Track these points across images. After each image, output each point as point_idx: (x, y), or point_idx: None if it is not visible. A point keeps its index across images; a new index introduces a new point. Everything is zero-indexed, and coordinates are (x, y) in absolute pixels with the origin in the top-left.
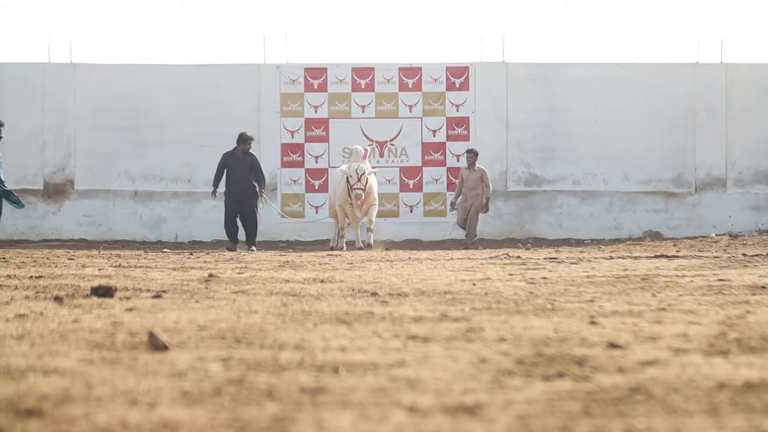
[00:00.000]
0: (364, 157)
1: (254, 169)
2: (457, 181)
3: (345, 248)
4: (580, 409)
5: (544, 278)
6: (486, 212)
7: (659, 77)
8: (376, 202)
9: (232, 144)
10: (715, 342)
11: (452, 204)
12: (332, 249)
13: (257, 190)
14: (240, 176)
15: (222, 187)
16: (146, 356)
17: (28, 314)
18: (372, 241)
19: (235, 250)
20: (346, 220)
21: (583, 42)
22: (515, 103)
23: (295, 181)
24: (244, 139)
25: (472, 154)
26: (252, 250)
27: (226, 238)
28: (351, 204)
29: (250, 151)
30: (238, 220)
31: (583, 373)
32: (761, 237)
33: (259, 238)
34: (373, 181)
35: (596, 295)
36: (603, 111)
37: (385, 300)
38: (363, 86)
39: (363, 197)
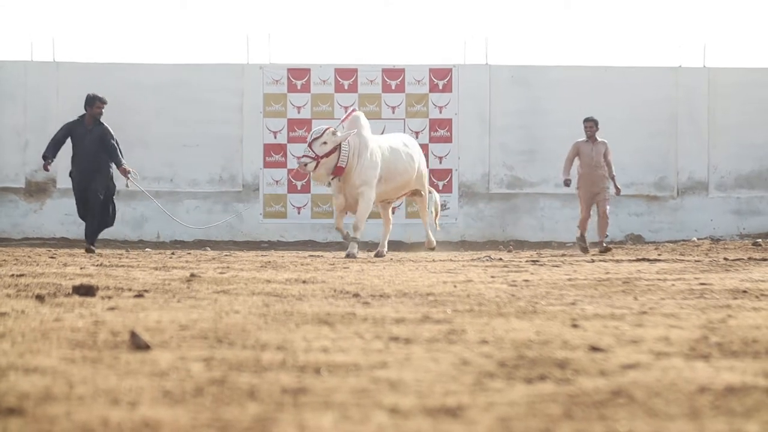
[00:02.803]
0: (343, 121)
1: (105, 143)
2: (566, 157)
3: (356, 253)
4: (561, 412)
5: (526, 281)
6: (618, 194)
7: (642, 81)
8: (365, 191)
9: (215, 144)
10: (696, 346)
11: (567, 180)
12: (347, 255)
13: (113, 168)
14: (86, 151)
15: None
16: (128, 355)
17: (9, 313)
18: (355, 251)
19: (92, 250)
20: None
21: (566, 45)
22: (498, 105)
23: (277, 181)
24: (92, 101)
25: (592, 123)
26: (91, 249)
27: (207, 238)
28: (328, 184)
29: (102, 121)
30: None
31: (565, 376)
32: (742, 241)
33: (241, 239)
34: (356, 153)
35: (578, 298)
36: (585, 114)
37: (367, 301)
38: (346, 87)
39: (311, 171)
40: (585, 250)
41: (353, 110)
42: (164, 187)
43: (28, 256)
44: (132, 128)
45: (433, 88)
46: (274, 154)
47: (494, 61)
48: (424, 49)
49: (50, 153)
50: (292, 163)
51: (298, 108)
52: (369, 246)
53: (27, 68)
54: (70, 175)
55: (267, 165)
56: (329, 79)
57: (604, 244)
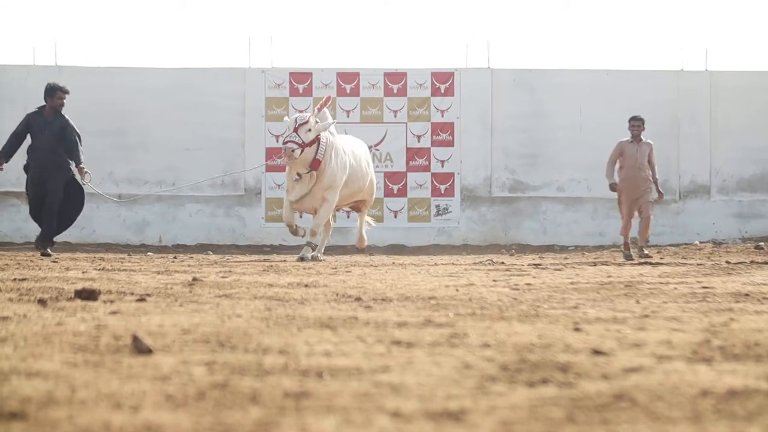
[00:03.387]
0: (321, 107)
1: (66, 137)
2: (609, 158)
3: (310, 257)
4: (563, 416)
5: (528, 284)
6: (660, 199)
7: (644, 84)
8: (330, 195)
9: (217, 148)
10: (698, 349)
11: (612, 185)
12: (301, 258)
13: (70, 165)
14: (45, 144)
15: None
16: (130, 360)
17: (11, 317)
18: (309, 255)
19: (48, 254)
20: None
21: (568, 49)
22: (500, 109)
23: (279, 185)
24: (52, 91)
25: (639, 122)
26: (45, 253)
27: (209, 242)
28: (298, 176)
29: (64, 113)
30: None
31: (567, 380)
32: (745, 245)
33: (243, 242)
34: (339, 153)
35: (580, 301)
36: (587, 117)
37: (369, 305)
38: (348, 91)
39: (298, 156)
40: (630, 258)
41: (329, 97)
42: (166, 190)
43: (31, 260)
44: (134, 132)
45: (435, 91)
46: (276, 158)
47: (496, 64)
48: (426, 52)
49: (5, 152)
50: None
51: (300, 112)
52: (371, 250)
53: (29, 72)
54: (24, 169)
55: (269, 169)
56: (331, 83)
57: (645, 252)
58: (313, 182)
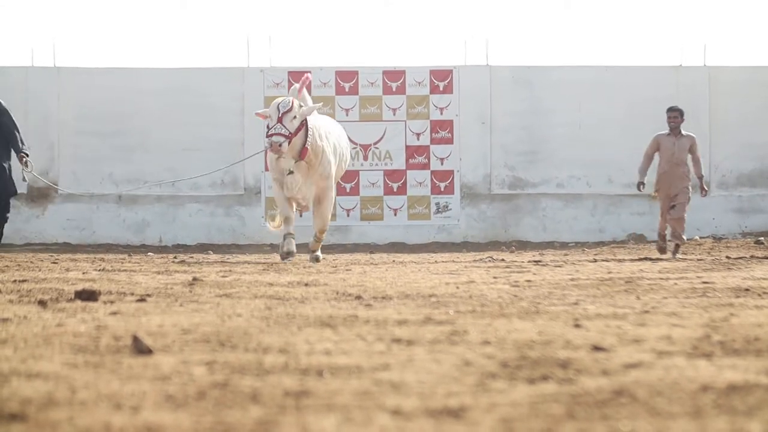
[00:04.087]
0: (300, 90)
1: (2, 124)
2: (645, 152)
3: (293, 255)
4: (564, 412)
5: (529, 281)
6: (704, 196)
7: (643, 80)
8: (330, 186)
9: (216, 148)
10: (698, 344)
11: (640, 184)
12: (282, 256)
13: (13, 154)
14: None
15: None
16: (130, 360)
17: (11, 318)
18: (319, 253)
19: None
20: (294, 209)
21: (566, 45)
22: (499, 106)
23: None
24: None
25: (677, 113)
26: None
27: (209, 242)
28: (290, 172)
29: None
30: None
31: (567, 376)
32: (744, 239)
33: (243, 242)
34: (324, 137)
35: (580, 297)
36: (587, 114)
37: (370, 303)
38: (347, 89)
39: (286, 150)
40: (663, 251)
41: (308, 77)
42: (166, 191)
43: (31, 262)
44: (133, 132)
45: (434, 89)
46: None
47: (495, 61)
48: (425, 50)
49: None
50: None
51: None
52: (371, 248)
53: (28, 73)
54: None
55: (268, 168)
56: (330, 81)
57: (678, 254)
58: (307, 172)
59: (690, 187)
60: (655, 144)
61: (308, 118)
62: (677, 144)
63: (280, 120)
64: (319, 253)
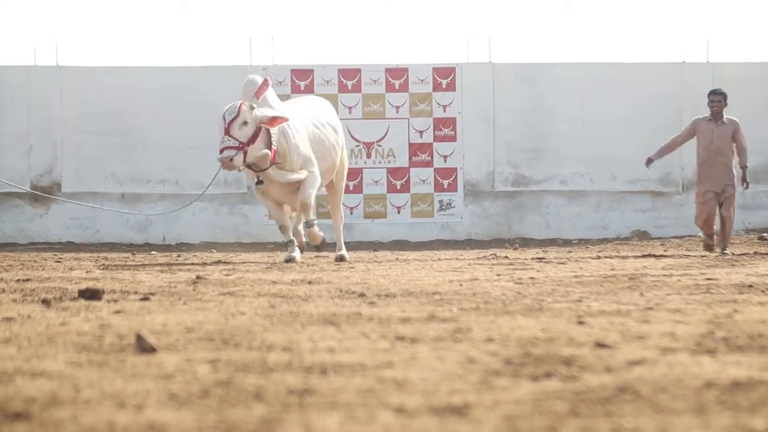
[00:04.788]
0: (260, 92)
1: None
2: (675, 136)
3: (294, 261)
4: (567, 409)
5: (532, 278)
6: (746, 189)
7: (646, 77)
8: (314, 174)
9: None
10: (702, 341)
11: (649, 159)
12: (286, 260)
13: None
14: None
15: None
16: (134, 358)
17: (15, 317)
18: (344, 252)
19: None
20: (288, 213)
21: (569, 42)
22: (502, 103)
23: None
24: None
25: (720, 97)
26: None
27: (213, 240)
28: (258, 182)
29: None
30: None
31: (571, 373)
32: (748, 236)
33: (247, 240)
34: (301, 129)
35: (584, 294)
36: (590, 111)
37: (373, 301)
38: (350, 87)
39: (240, 166)
40: (710, 248)
41: (266, 81)
42: (169, 189)
43: (34, 261)
44: (136, 131)
45: (437, 87)
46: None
47: (497, 59)
48: (427, 48)
49: None
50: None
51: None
52: (375, 246)
53: (30, 73)
54: None
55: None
56: (332, 79)
57: (726, 251)
58: (281, 170)
59: (735, 184)
60: (691, 129)
61: (278, 109)
62: (717, 131)
63: (227, 131)
64: (342, 251)
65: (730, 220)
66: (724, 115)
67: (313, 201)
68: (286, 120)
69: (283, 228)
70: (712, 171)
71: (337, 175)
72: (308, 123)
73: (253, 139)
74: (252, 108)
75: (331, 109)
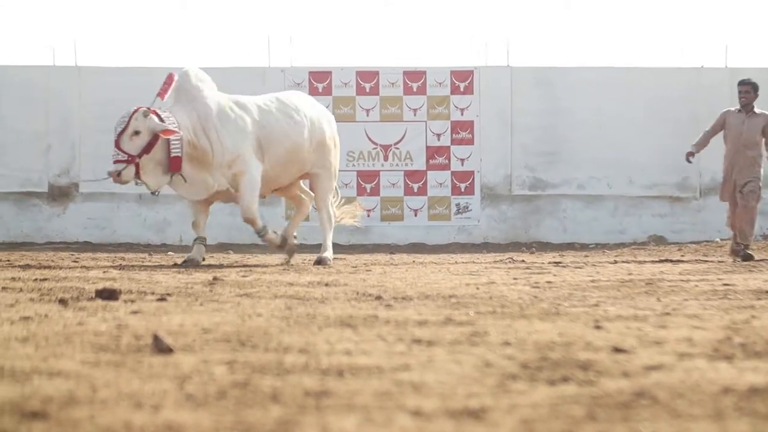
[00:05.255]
0: (163, 93)
1: None
2: (706, 129)
3: (195, 264)
4: (584, 414)
5: (549, 282)
6: None
7: (664, 81)
8: (244, 166)
9: None
10: (720, 347)
11: (689, 154)
12: (184, 261)
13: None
14: None
15: None
16: (151, 359)
17: (32, 317)
18: (325, 254)
19: None
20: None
21: (587, 46)
22: (520, 106)
23: None
24: None
25: (749, 87)
26: None
27: (229, 241)
28: (153, 193)
29: None
30: None
31: (588, 378)
32: (765, 242)
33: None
34: (199, 128)
35: (601, 299)
36: (607, 115)
37: (390, 304)
38: (367, 90)
39: (131, 177)
40: (738, 254)
41: (172, 75)
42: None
43: (52, 260)
44: None
45: (455, 90)
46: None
47: (515, 62)
48: (446, 51)
49: None
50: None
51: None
52: (392, 248)
53: (49, 73)
54: None
55: None
56: (350, 81)
57: (744, 250)
58: (203, 171)
59: (761, 177)
60: (721, 120)
61: (208, 98)
62: (747, 123)
63: (116, 143)
64: (325, 254)
65: (749, 212)
66: (755, 107)
67: (254, 212)
68: (176, 132)
69: (194, 224)
70: (737, 164)
71: (319, 168)
72: (251, 109)
73: (147, 149)
74: (146, 115)
75: (308, 100)
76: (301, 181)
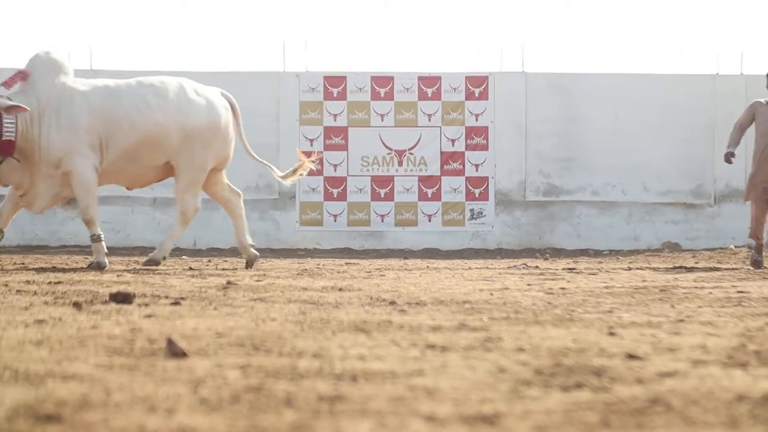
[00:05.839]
0: (11, 83)
1: None
2: (737, 123)
3: (104, 262)
4: (598, 420)
5: (563, 288)
6: None
7: (679, 88)
8: (74, 165)
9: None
10: (734, 354)
11: (729, 154)
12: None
13: None
14: None
15: None
16: (165, 363)
17: (47, 320)
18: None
19: None
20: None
21: (602, 52)
22: (535, 112)
23: (313, 189)
24: None
25: None
26: None
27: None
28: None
29: None
30: None
31: (602, 384)
32: None
33: (277, 246)
34: (37, 117)
35: (615, 305)
36: (622, 121)
37: (404, 309)
38: (382, 95)
39: None
40: (757, 264)
41: (22, 72)
42: (201, 194)
43: (66, 264)
44: None
45: (470, 95)
46: None
47: (530, 68)
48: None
49: None
50: (329, 171)
51: (335, 116)
52: (405, 254)
53: None
54: None
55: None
56: (365, 86)
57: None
58: (29, 167)
59: None
60: (750, 113)
61: (56, 85)
62: None
63: None
64: (154, 253)
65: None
66: None
67: (93, 214)
68: (26, 110)
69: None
70: (764, 161)
71: (183, 159)
72: (94, 97)
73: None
74: None
75: (190, 86)
76: (226, 180)
